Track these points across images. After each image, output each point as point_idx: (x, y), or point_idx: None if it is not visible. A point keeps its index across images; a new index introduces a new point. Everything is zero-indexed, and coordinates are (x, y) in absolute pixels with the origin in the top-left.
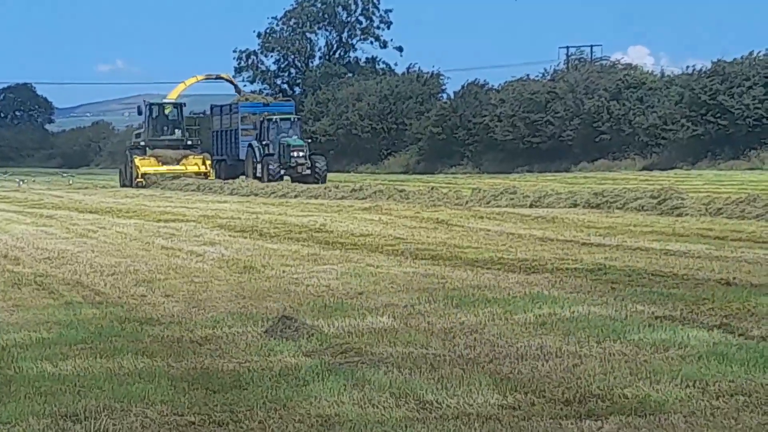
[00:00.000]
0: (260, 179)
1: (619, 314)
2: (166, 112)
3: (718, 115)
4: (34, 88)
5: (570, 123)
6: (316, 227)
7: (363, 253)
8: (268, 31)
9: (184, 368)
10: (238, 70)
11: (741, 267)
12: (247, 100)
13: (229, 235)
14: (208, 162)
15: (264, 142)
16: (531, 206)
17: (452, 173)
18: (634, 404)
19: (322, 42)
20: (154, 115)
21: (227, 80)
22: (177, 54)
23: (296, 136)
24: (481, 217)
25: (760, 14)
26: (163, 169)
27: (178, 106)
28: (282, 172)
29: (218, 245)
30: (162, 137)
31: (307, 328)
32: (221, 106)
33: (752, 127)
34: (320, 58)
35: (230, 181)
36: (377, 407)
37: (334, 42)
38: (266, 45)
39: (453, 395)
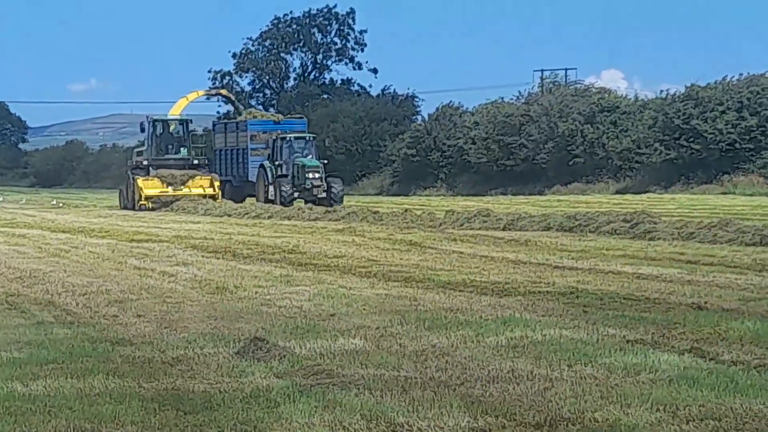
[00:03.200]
0: (272, 202)
1: (591, 338)
2: (171, 129)
3: (692, 139)
4: (8, 106)
5: (544, 146)
6: (289, 248)
7: (336, 274)
8: (243, 51)
9: (155, 389)
10: None
11: (713, 291)
12: (255, 117)
13: (202, 256)
14: (217, 183)
15: (277, 163)
16: (504, 229)
17: (426, 195)
18: (605, 428)
19: (297, 63)
20: (158, 132)
21: (226, 97)
22: (151, 74)
23: (311, 156)
24: (455, 240)
25: (733, 40)
26: (169, 190)
27: (183, 122)
28: (296, 194)
29: (191, 266)
30: (167, 156)
31: (278, 350)
32: (226, 123)
33: (725, 151)
34: (295, 79)
35: (204, 201)
36: (348, 429)
37: (309, 63)
38: (241, 66)
39: (424, 418)
